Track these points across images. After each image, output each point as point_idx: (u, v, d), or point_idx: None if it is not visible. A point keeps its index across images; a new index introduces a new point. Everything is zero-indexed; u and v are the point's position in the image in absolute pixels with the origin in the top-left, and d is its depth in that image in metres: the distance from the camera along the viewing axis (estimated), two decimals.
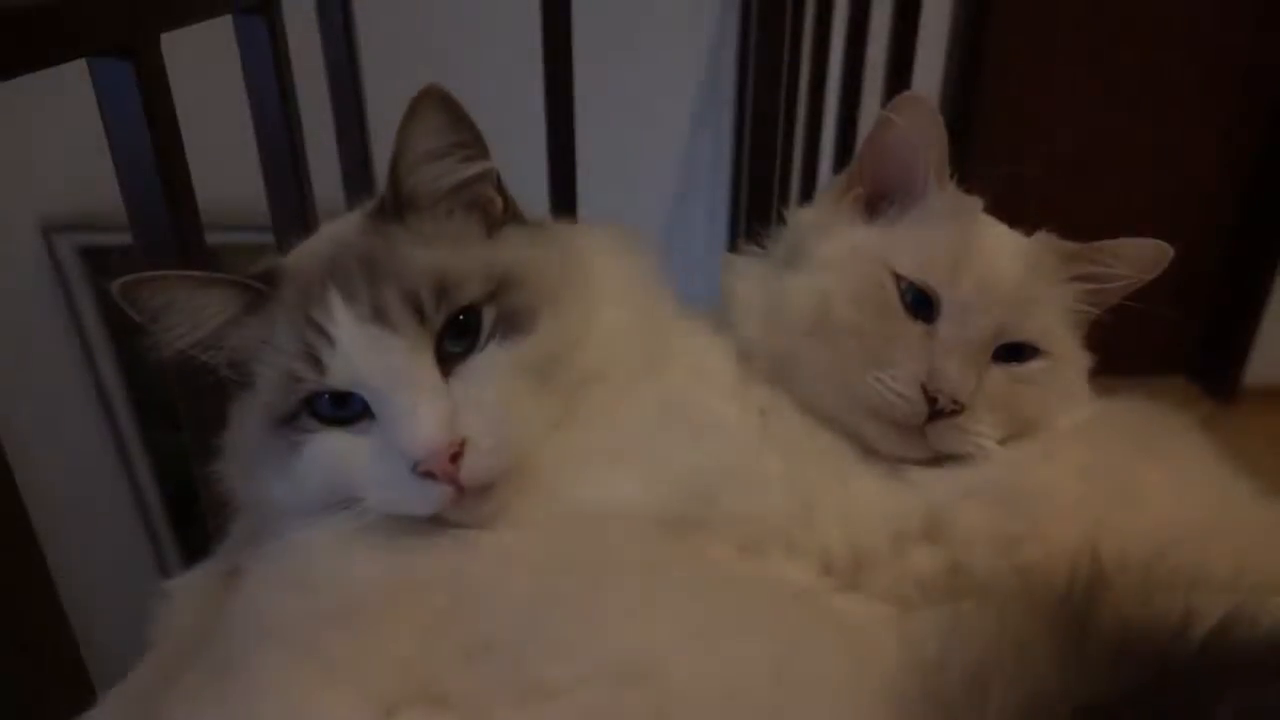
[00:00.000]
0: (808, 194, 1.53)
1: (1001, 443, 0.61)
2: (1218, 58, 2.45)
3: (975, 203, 0.66)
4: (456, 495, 0.48)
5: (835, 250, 0.65)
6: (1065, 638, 0.41)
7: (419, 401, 0.48)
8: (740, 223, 1.53)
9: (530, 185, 1.14)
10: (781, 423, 0.62)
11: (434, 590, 0.47)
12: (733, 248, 0.76)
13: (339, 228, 0.58)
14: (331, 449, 0.50)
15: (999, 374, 0.61)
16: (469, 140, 0.54)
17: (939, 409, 0.58)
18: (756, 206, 1.36)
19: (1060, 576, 0.45)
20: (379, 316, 0.49)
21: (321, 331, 0.49)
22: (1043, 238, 0.66)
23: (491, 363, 0.51)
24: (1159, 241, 0.63)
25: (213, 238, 0.64)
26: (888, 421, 0.60)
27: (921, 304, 0.61)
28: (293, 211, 0.79)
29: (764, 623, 0.47)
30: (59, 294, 1.78)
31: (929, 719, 0.40)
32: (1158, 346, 2.64)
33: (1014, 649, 0.41)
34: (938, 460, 0.60)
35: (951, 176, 0.66)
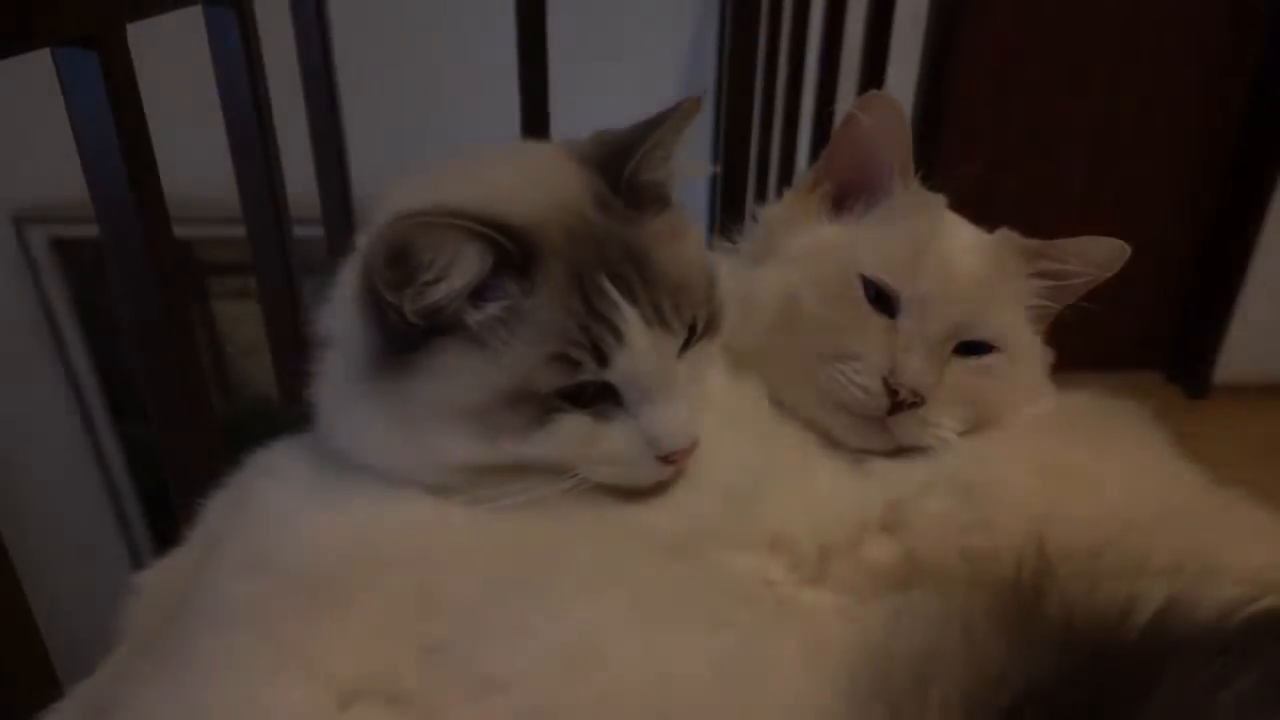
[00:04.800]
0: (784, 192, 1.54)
1: (962, 435, 0.62)
2: (1189, 58, 2.48)
3: (939, 200, 0.67)
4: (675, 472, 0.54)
5: (802, 246, 0.66)
6: (1012, 625, 0.42)
7: (678, 403, 0.53)
8: (715, 220, 1.54)
9: None
10: (753, 415, 0.63)
11: (396, 573, 0.47)
12: (708, 245, 0.76)
13: (548, 178, 0.55)
14: (577, 429, 0.52)
15: (959, 367, 0.62)
16: None
17: (900, 401, 0.59)
18: (731, 204, 1.37)
19: (1009, 566, 0.46)
20: (659, 320, 0.52)
21: (610, 327, 0.50)
22: (1004, 235, 0.67)
23: (701, 359, 0.56)
24: (1117, 240, 0.64)
25: (185, 230, 0.64)
26: (851, 414, 0.60)
27: (884, 299, 0.62)
28: (264, 205, 0.79)
29: (714, 614, 0.47)
30: (30, 286, 1.77)
31: (874, 706, 0.41)
32: (1132, 344, 2.68)
33: (961, 636, 0.42)
34: (899, 452, 0.61)
35: (918, 174, 0.67)
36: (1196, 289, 2.77)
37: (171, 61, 0.89)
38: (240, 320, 1.88)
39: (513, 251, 0.49)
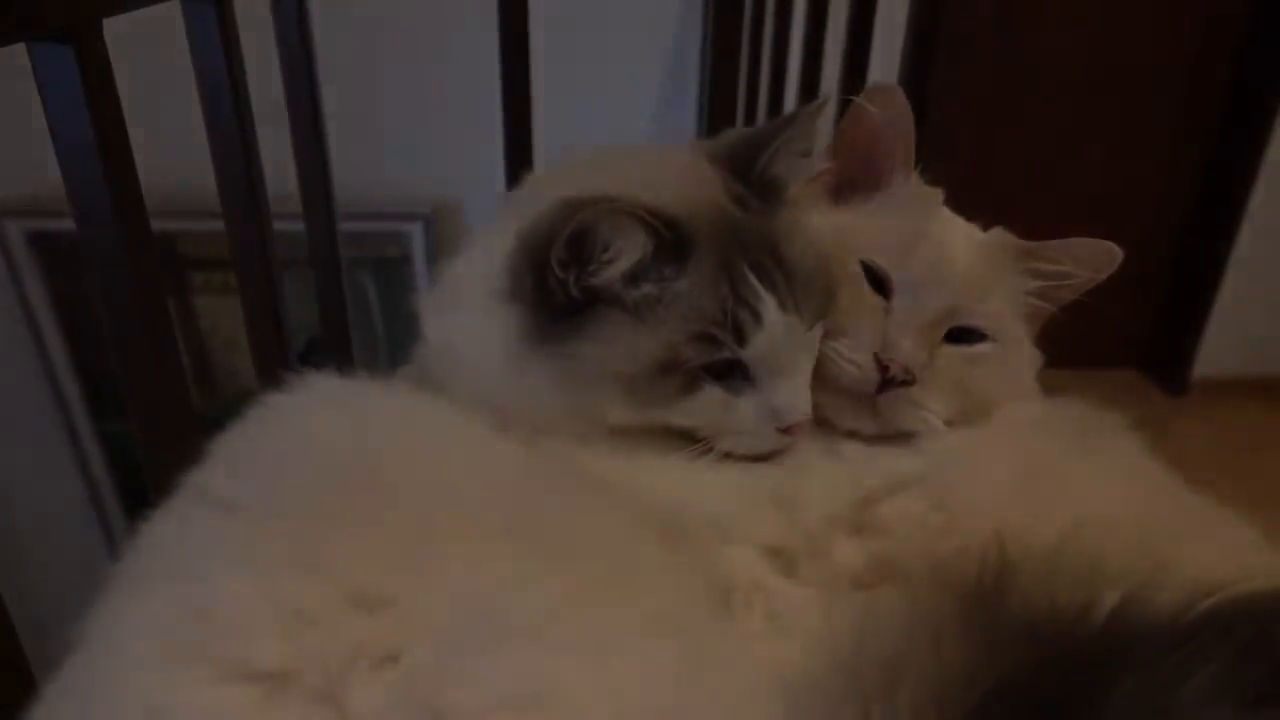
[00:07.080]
0: None
1: (949, 424, 0.62)
2: (1169, 59, 2.50)
3: (936, 194, 0.68)
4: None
5: None
6: (977, 626, 0.42)
7: (798, 380, 0.59)
8: None
9: (487, 171, 1.14)
10: None
11: (383, 513, 0.45)
12: None
13: (692, 175, 0.60)
14: (715, 400, 0.58)
15: (950, 353, 0.62)
16: None
17: (890, 378, 0.59)
18: None
19: (974, 567, 0.46)
20: (794, 309, 0.57)
21: (752, 311, 0.56)
22: (998, 233, 0.68)
23: (813, 343, 0.60)
24: (1109, 243, 0.65)
25: (166, 225, 0.63)
26: (841, 390, 0.61)
27: (879, 283, 0.63)
28: (245, 199, 0.78)
29: (679, 626, 0.46)
30: (8, 280, 1.75)
31: (844, 708, 0.41)
32: (1112, 341, 2.71)
33: (929, 638, 0.42)
34: (885, 439, 0.61)
35: (917, 166, 0.67)
36: (1175, 286, 2.80)
37: (150, 55, 0.89)
38: (222, 315, 1.86)
39: (670, 241, 0.55)
